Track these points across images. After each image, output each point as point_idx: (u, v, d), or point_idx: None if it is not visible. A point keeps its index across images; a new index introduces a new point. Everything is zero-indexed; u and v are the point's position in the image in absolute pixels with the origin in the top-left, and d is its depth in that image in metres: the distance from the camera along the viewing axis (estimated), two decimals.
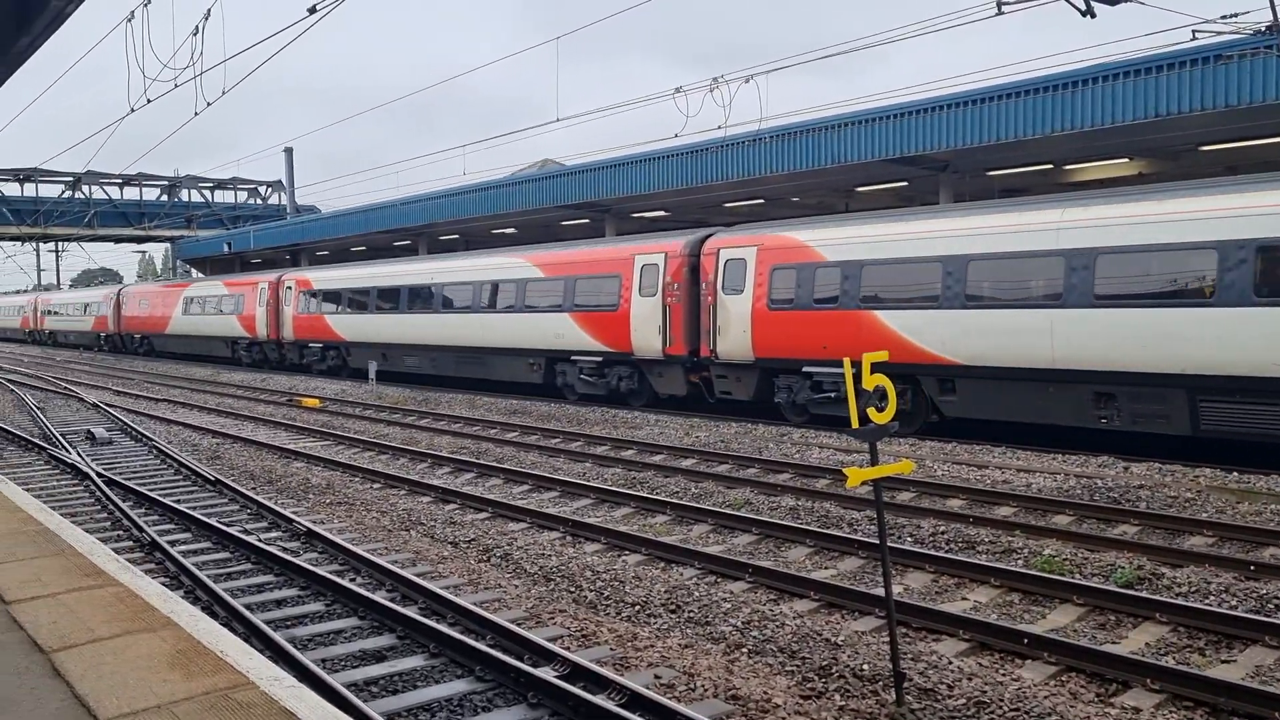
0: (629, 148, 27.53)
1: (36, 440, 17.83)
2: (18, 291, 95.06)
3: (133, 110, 13.75)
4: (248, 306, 38.67)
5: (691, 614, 8.12)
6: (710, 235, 20.81)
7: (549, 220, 34.41)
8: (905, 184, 25.49)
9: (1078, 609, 8.21)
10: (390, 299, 30.36)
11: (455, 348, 27.56)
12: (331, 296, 33.71)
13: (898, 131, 20.85)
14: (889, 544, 7.19)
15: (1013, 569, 9.06)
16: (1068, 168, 23.30)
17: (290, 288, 36.01)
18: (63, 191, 54.74)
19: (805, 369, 18.43)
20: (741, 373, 19.84)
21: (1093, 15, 10.94)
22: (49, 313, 66.07)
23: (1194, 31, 15.11)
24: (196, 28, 11.52)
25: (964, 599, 8.66)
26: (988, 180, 24.32)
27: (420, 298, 28.98)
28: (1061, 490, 12.55)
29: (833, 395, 17.84)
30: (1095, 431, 15.57)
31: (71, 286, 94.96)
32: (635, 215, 32.90)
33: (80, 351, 57.15)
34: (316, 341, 34.71)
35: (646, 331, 21.44)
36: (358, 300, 32.11)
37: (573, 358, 23.71)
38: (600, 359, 22.97)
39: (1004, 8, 11.65)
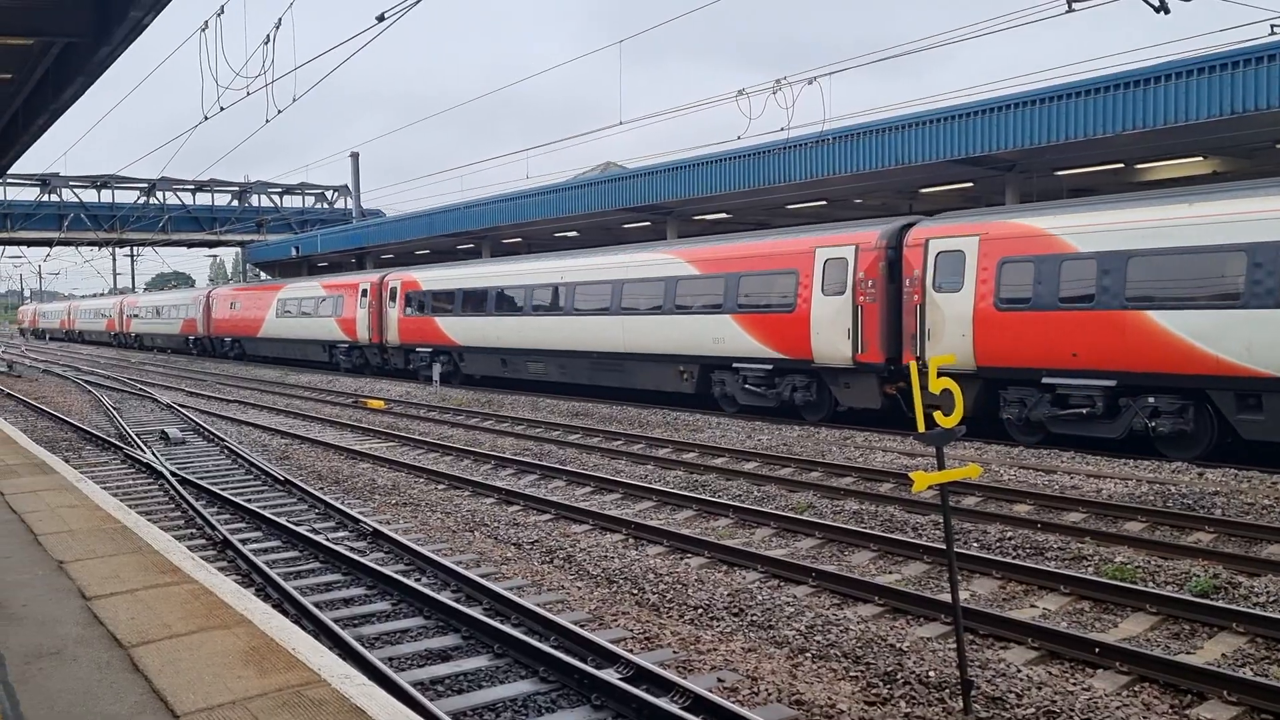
0: (691, 150, 27.47)
1: (113, 440, 18.32)
2: (95, 295, 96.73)
3: (206, 118, 14.09)
4: (347, 309, 36.66)
5: (754, 617, 8.09)
6: (913, 224, 18.36)
7: (611, 223, 34.53)
8: (971, 185, 25.18)
9: (1151, 618, 8.04)
10: (513, 300, 27.83)
11: (589, 353, 25.02)
12: (443, 298, 31.32)
13: (963, 132, 20.59)
14: (955, 549, 7.10)
15: (1083, 576, 8.89)
16: (1139, 167, 22.83)
17: (395, 289, 33.81)
18: (138, 197, 56.19)
19: (1045, 380, 15.83)
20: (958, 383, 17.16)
21: (1166, 11, 10.72)
22: (135, 316, 64.50)
23: (1272, 26, 14.73)
24: (268, 37, 11.77)
25: (1032, 606, 8.53)
26: (1056, 180, 23.91)
27: (548, 298, 26.45)
28: (1133, 496, 12.29)
29: (1084, 411, 15.47)
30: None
31: (146, 290, 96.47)
32: (697, 218, 32.89)
33: (154, 353, 58.17)
34: (425, 346, 32.30)
35: (831, 335, 18.87)
36: (474, 302, 29.61)
37: (735, 365, 21.05)
38: (770, 367, 20.34)
39: (1074, 4, 11.46)
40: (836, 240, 19.31)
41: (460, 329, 30.39)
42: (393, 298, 33.93)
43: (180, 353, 55.87)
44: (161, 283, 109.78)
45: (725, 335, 21.10)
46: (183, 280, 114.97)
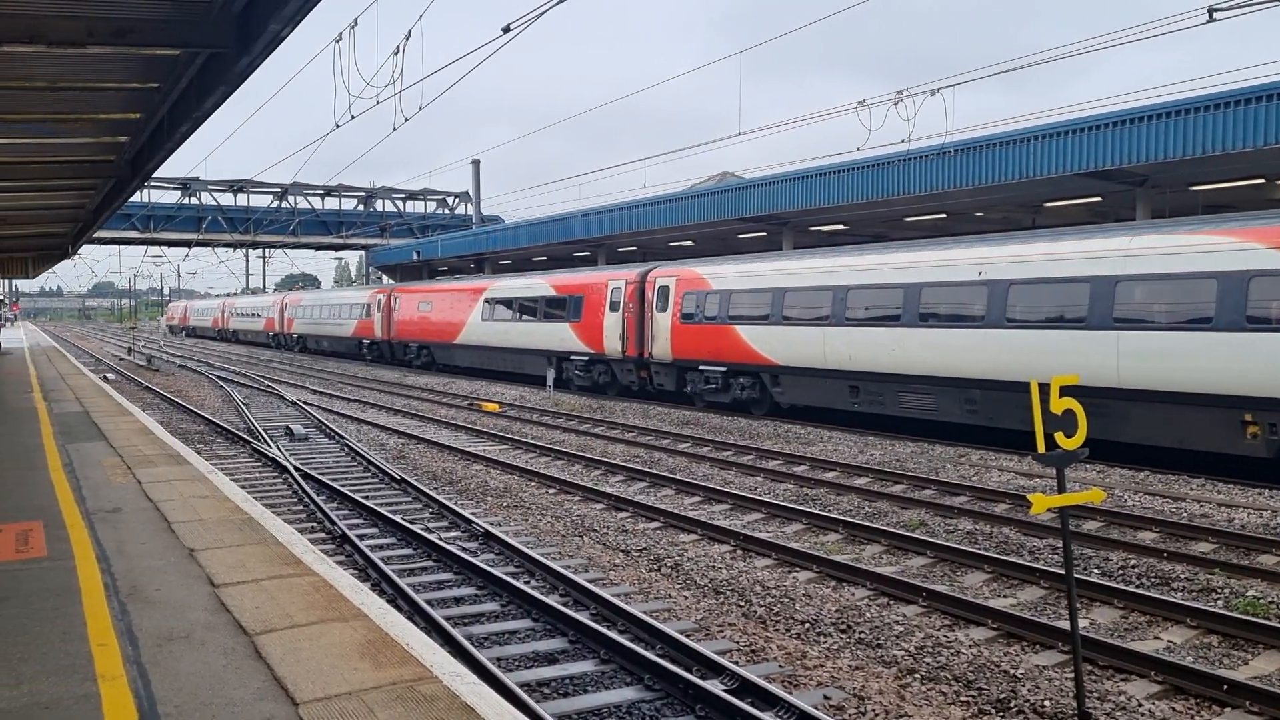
0: (809, 161, 27.16)
1: (242, 434, 19.07)
2: (251, 292, 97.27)
3: (338, 125, 14.59)
4: (589, 313, 29.77)
5: (862, 635, 7.98)
6: None
7: (726, 233, 34.52)
8: (1099, 199, 24.40)
9: None
10: (883, 304, 20.19)
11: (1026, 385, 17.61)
12: (749, 300, 23.80)
13: (1092, 144, 19.97)
14: (1074, 575, 6.88)
15: (1211, 609, 8.51)
16: None
17: (667, 288, 26.55)
18: (271, 201, 58.54)
19: None
20: None
21: None
22: (299, 316, 58.50)
23: None
24: (397, 48, 12.13)
25: (1156, 638, 8.20)
26: (1191, 195, 22.99)
27: (955, 302, 18.75)
28: (1268, 528, 11.71)
29: None
30: None
31: (275, 290, 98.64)
32: (813, 229, 32.66)
33: (291, 353, 59.86)
34: (715, 364, 24.71)
35: None
36: (807, 305, 22.06)
37: None
38: None
39: (1215, 14, 11.02)
40: None
41: (777, 342, 22.79)
42: (661, 300, 26.74)
43: (352, 358, 50.46)
44: (290, 284, 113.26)
45: None
46: (309, 281, 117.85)
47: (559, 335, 31.53)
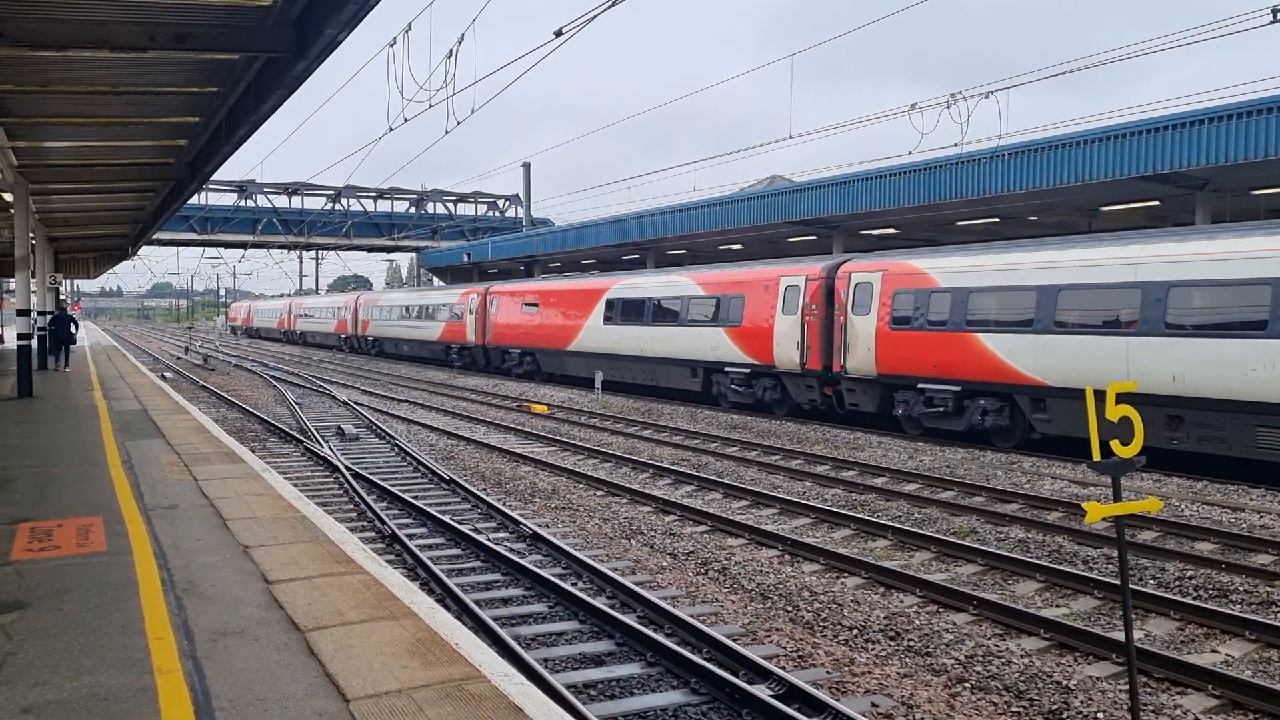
0: (861, 164, 26.99)
1: (294, 433, 19.33)
2: (287, 293, 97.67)
3: (391, 129, 14.75)
4: (752, 315, 24.91)
5: (911, 642, 7.91)
6: None
7: (776, 236, 34.41)
8: (1157, 203, 23.98)
9: None
10: (1220, 305, 15.24)
11: None
12: (998, 301, 18.70)
13: (1150, 147, 19.64)
14: (1130, 585, 6.76)
15: (1271, 622, 8.32)
16: None
17: (867, 285, 21.56)
18: (325, 204, 59.40)
19: None
20: None
21: None
22: (374, 317, 53.94)
23: None
24: (450, 52, 12.25)
25: (1213, 651, 8.04)
26: (1253, 200, 22.52)
27: None
28: None
29: None
30: None
31: (328, 291, 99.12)
32: (864, 232, 32.45)
33: (332, 352, 60.40)
34: (942, 382, 19.63)
35: None
36: (1094, 308, 16.91)
37: None
38: None
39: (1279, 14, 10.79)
40: None
41: (1045, 355, 17.69)
42: (861, 300, 21.75)
43: (438, 363, 46.31)
44: (343, 284, 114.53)
45: None
46: (361, 283, 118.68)
47: (709, 342, 26.54)
